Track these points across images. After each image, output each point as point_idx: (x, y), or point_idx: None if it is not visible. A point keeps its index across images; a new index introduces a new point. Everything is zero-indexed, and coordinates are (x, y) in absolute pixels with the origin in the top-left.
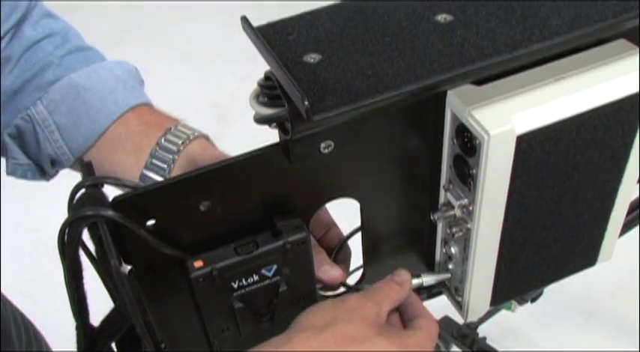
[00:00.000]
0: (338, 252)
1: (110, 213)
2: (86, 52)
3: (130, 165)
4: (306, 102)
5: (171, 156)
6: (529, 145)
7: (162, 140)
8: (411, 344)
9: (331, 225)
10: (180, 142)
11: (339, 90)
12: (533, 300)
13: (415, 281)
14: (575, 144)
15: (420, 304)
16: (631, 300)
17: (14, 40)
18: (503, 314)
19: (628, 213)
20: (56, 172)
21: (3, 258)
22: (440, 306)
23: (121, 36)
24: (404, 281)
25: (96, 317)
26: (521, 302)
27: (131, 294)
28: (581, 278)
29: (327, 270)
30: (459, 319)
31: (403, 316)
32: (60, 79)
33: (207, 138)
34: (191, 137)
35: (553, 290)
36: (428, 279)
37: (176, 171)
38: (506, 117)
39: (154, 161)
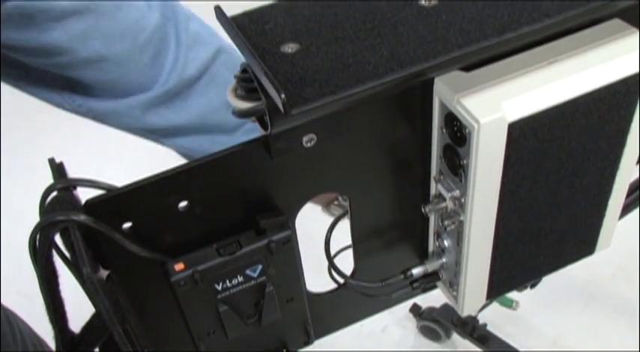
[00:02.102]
0: None
1: (82, 217)
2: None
3: None
4: (283, 96)
5: None
6: (521, 133)
7: None
8: None
9: None
10: None
11: (318, 82)
12: (532, 286)
13: (419, 270)
14: (569, 131)
15: None
16: (632, 283)
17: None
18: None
19: (627, 195)
20: None
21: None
22: (439, 293)
23: None
24: None
25: (80, 322)
26: (521, 288)
27: (106, 302)
28: (580, 261)
29: None
30: None
31: None
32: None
33: None
34: None
35: (553, 275)
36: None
37: None
38: (497, 104)
39: None
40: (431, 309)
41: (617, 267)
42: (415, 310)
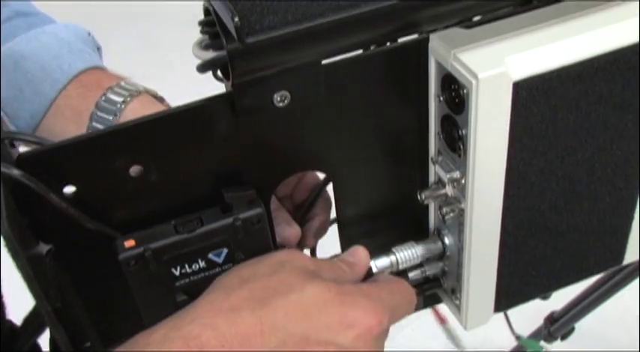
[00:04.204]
0: (312, 203)
1: (13, 170)
2: (29, 18)
3: (72, 134)
4: (236, 19)
5: (111, 118)
6: (530, 96)
7: (102, 100)
8: (354, 291)
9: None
10: (120, 100)
11: (282, 11)
12: (563, 338)
13: (416, 273)
14: (587, 99)
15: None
16: None
17: None
18: None
19: None
20: None
21: None
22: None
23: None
24: (356, 263)
25: None
26: (550, 339)
27: (26, 264)
28: (621, 317)
29: (282, 230)
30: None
31: None
32: None
33: (154, 95)
34: (134, 94)
35: (589, 332)
36: (404, 255)
37: None
38: (500, 59)
39: (94, 124)
40: None
41: None
42: None
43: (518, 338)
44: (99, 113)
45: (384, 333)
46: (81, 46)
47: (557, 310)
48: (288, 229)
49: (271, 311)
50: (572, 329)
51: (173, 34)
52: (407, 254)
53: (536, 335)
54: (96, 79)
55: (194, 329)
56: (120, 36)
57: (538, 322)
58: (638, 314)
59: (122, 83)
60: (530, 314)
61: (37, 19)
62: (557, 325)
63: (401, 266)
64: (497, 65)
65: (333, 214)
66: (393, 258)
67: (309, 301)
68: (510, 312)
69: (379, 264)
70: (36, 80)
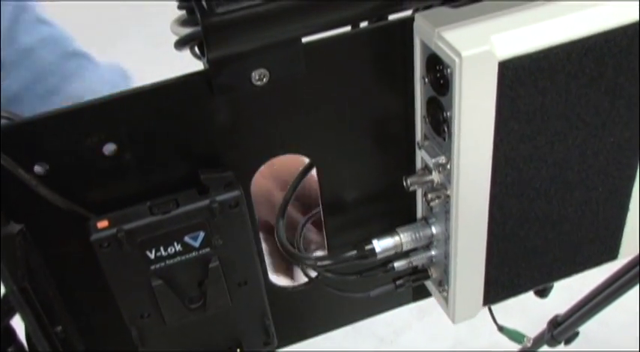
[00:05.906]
0: (295, 186)
1: None
2: (80, 60)
3: None
4: None
5: None
6: (516, 77)
7: None
8: None
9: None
10: None
11: None
12: (567, 342)
13: (402, 263)
14: (577, 82)
15: None
16: None
17: (7, 46)
18: None
19: None
20: None
21: None
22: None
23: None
24: None
25: None
26: (553, 343)
27: None
28: (626, 323)
29: None
30: None
31: None
32: (57, 88)
33: None
34: None
35: (593, 338)
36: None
37: None
38: (485, 37)
39: None
40: None
41: None
42: None
43: (501, 328)
44: None
45: None
46: (123, 86)
47: (561, 313)
48: None
49: None
50: (576, 334)
51: None
52: (412, 235)
53: (540, 339)
54: None
55: None
56: (131, 35)
57: (541, 326)
58: None
59: None
60: (534, 317)
61: (86, 60)
62: (561, 328)
63: (405, 248)
64: (482, 43)
65: None
66: (397, 238)
67: None
68: (513, 316)
69: (382, 244)
70: None
